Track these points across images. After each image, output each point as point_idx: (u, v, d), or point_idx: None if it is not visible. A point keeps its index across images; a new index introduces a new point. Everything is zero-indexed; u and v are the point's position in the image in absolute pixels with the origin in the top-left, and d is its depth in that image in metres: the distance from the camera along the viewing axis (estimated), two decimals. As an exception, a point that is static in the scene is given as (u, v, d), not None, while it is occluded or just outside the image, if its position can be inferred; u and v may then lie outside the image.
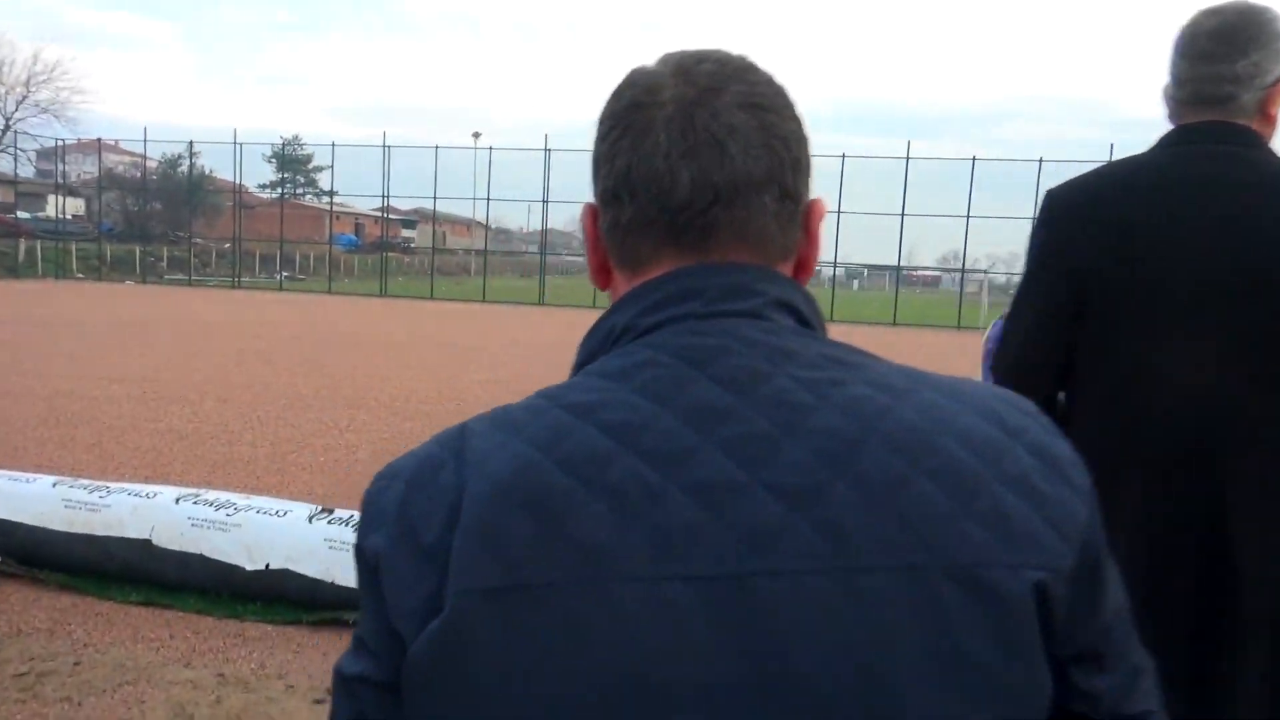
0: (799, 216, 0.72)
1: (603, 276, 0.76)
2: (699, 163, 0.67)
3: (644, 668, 0.57)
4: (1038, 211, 1.64)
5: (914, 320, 29.20)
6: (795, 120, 0.71)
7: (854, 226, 47.13)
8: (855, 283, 63.05)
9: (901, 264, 33.47)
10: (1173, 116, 1.62)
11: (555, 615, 0.58)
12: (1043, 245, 1.61)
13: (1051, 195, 1.64)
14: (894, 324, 29.19)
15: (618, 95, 0.72)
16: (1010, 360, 1.68)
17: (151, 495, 4.38)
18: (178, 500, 4.31)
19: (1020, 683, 0.60)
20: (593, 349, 0.72)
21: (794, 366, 0.65)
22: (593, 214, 0.74)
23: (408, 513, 0.63)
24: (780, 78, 0.73)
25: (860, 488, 0.60)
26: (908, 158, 30.31)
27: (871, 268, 53.21)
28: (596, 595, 0.58)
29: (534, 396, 0.68)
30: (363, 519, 0.66)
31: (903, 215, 30.39)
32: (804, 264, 0.74)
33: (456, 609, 0.58)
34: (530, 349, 16.08)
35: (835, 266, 35.44)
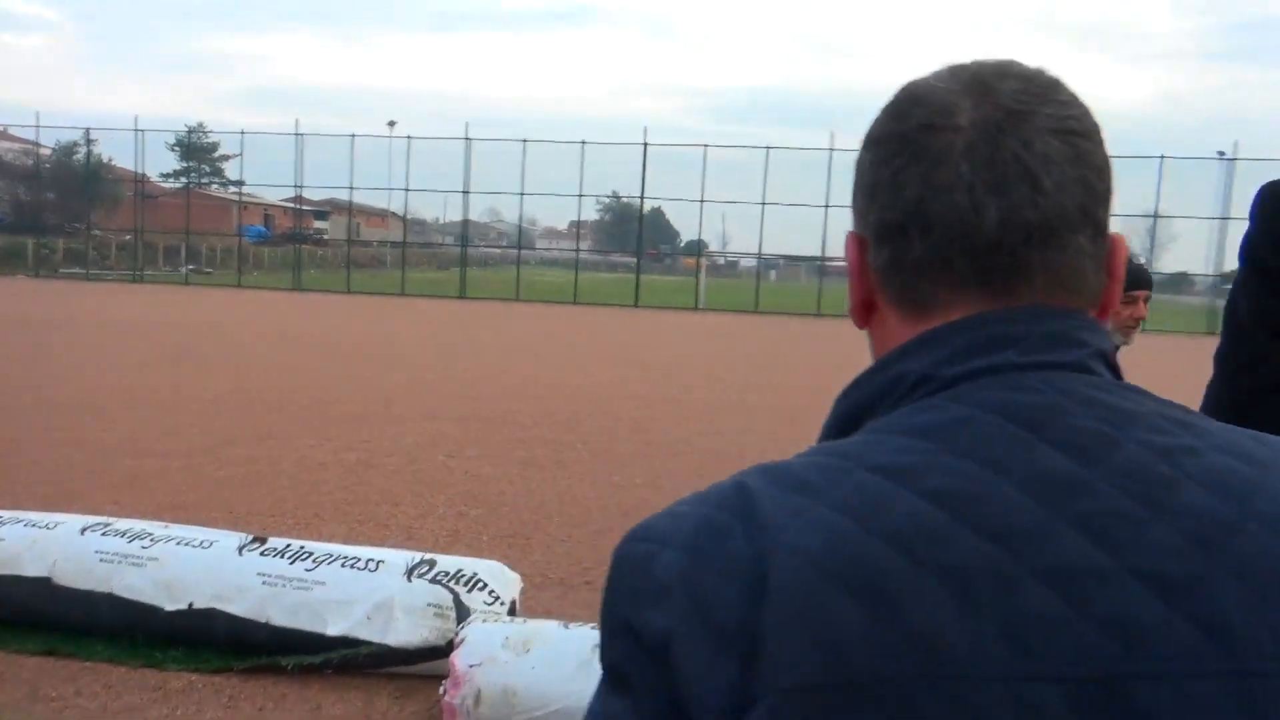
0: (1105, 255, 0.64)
1: (865, 314, 0.68)
2: (1009, 198, 0.60)
3: None
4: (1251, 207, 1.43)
5: (837, 311, 29.51)
6: (1105, 147, 0.64)
7: (775, 219, 47.54)
8: (773, 273, 63.76)
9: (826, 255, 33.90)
10: None
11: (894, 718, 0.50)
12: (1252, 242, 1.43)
13: (1264, 190, 1.43)
14: (818, 314, 29.53)
15: (901, 114, 0.64)
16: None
17: (51, 526, 3.85)
18: (83, 531, 3.80)
19: None
20: (868, 400, 0.64)
21: (1140, 430, 0.58)
22: (860, 245, 0.67)
23: (695, 588, 0.55)
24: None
25: (1244, 578, 0.52)
26: (831, 149, 30.60)
27: (787, 258, 53.76)
28: (946, 697, 0.50)
29: (820, 453, 0.60)
30: (625, 590, 0.58)
31: (826, 207, 30.66)
32: (1106, 307, 0.65)
33: (775, 708, 0.51)
34: (452, 347, 15.57)
35: (760, 258, 35.60)
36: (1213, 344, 2.31)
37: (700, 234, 37.09)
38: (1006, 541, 0.52)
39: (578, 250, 37.96)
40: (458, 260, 35.63)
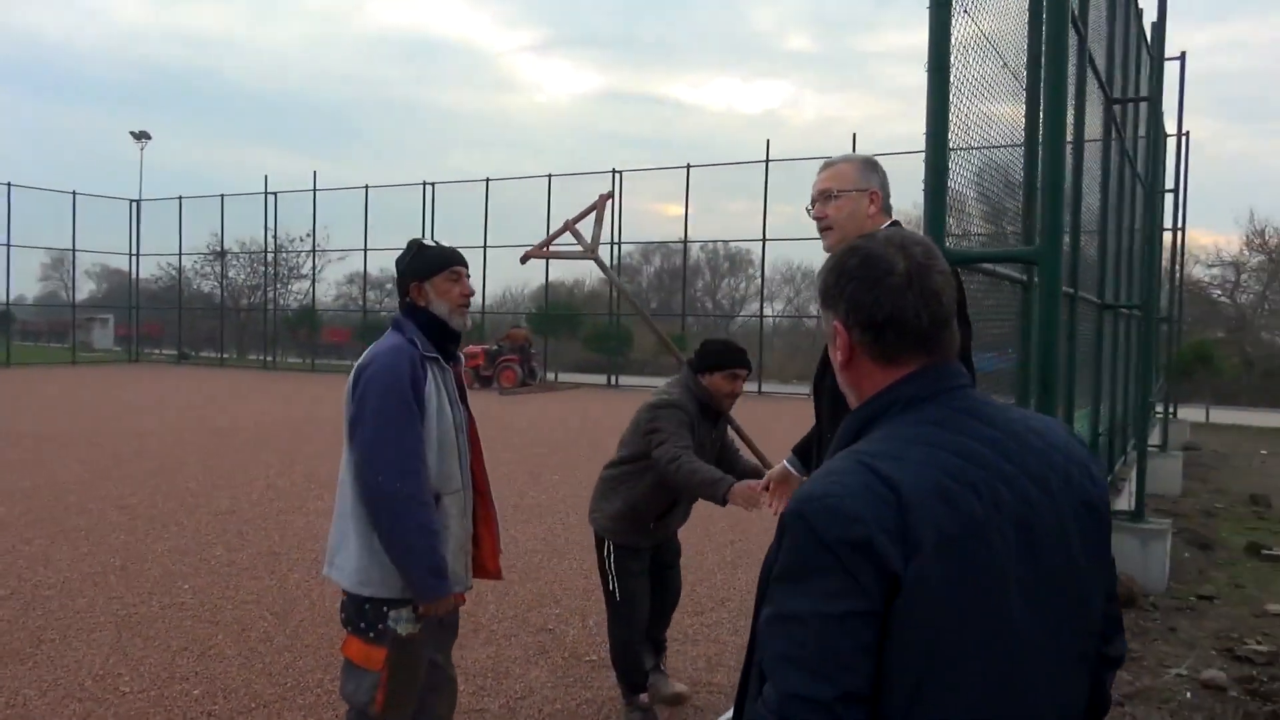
0: None
1: (847, 363, 1.36)
2: (931, 309, 1.29)
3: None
4: None
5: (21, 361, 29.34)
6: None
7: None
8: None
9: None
10: None
11: (979, 556, 1.18)
12: None
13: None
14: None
15: (867, 262, 1.31)
16: None
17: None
18: None
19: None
20: (875, 413, 1.31)
21: (1001, 410, 1.34)
22: (846, 328, 1.33)
23: (873, 513, 1.14)
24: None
25: (1052, 475, 1.28)
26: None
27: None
28: (977, 540, 1.19)
29: (884, 443, 1.25)
30: (831, 523, 1.15)
31: (485, 247, 30.50)
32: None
33: (921, 558, 1.14)
34: None
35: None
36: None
37: None
38: (990, 471, 1.22)
39: None
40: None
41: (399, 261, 2.91)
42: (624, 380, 28.17)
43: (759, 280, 30.00)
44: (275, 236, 34.57)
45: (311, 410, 17.43)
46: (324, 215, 33.00)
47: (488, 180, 30.33)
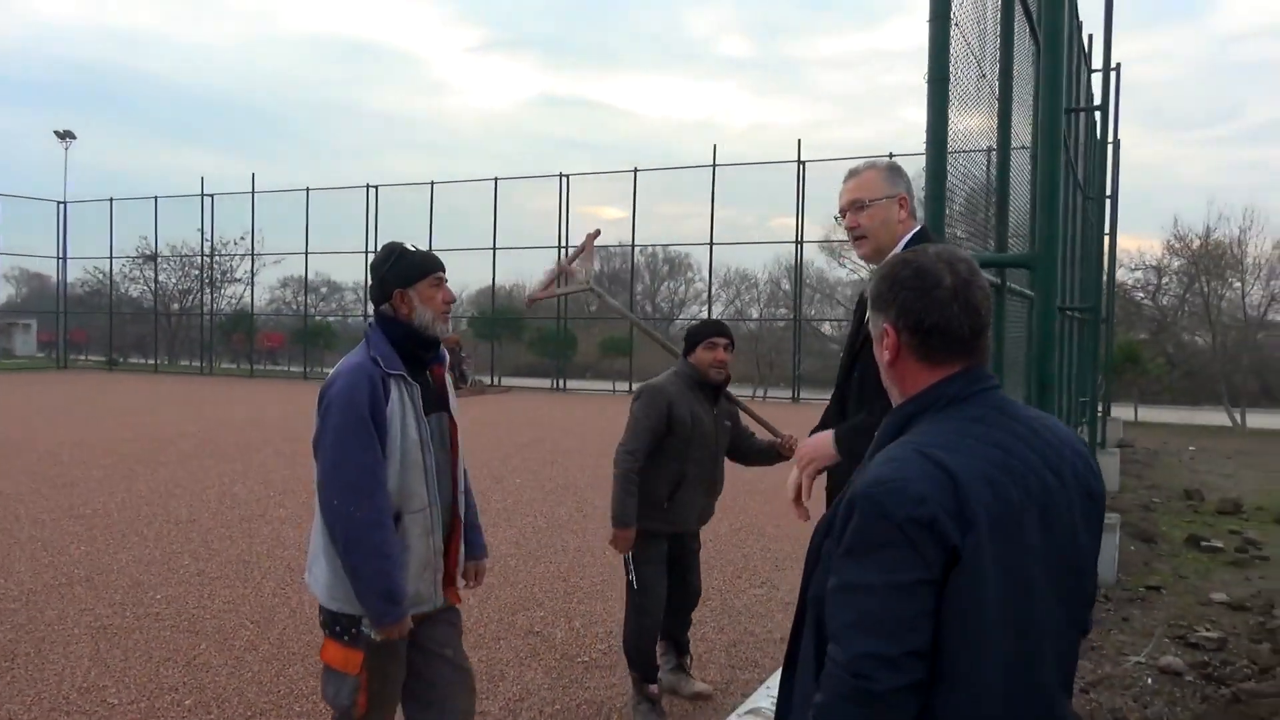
0: None
1: (893, 362, 1.57)
2: (972, 319, 1.52)
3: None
4: None
5: None
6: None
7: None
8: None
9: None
10: None
11: (1016, 535, 1.41)
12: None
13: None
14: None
15: (919, 275, 1.53)
16: None
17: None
18: None
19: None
20: (919, 409, 1.53)
21: (1022, 409, 1.59)
22: (895, 331, 1.55)
23: (934, 495, 1.35)
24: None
25: (1066, 467, 1.50)
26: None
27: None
28: (1013, 520, 1.42)
29: (935, 434, 1.46)
30: (899, 504, 1.35)
31: (431, 249, 30.75)
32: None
33: (976, 534, 1.35)
34: None
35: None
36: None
37: None
38: (1021, 462, 1.44)
39: None
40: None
41: (376, 267, 2.83)
42: (571, 384, 28.15)
43: (698, 284, 30.22)
44: (210, 239, 33.81)
45: (255, 415, 17.12)
46: (261, 218, 32.40)
47: (432, 184, 30.07)
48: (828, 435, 2.50)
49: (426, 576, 2.79)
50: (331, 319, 37.09)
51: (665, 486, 4.01)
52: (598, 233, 4.56)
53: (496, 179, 28.75)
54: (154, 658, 4.69)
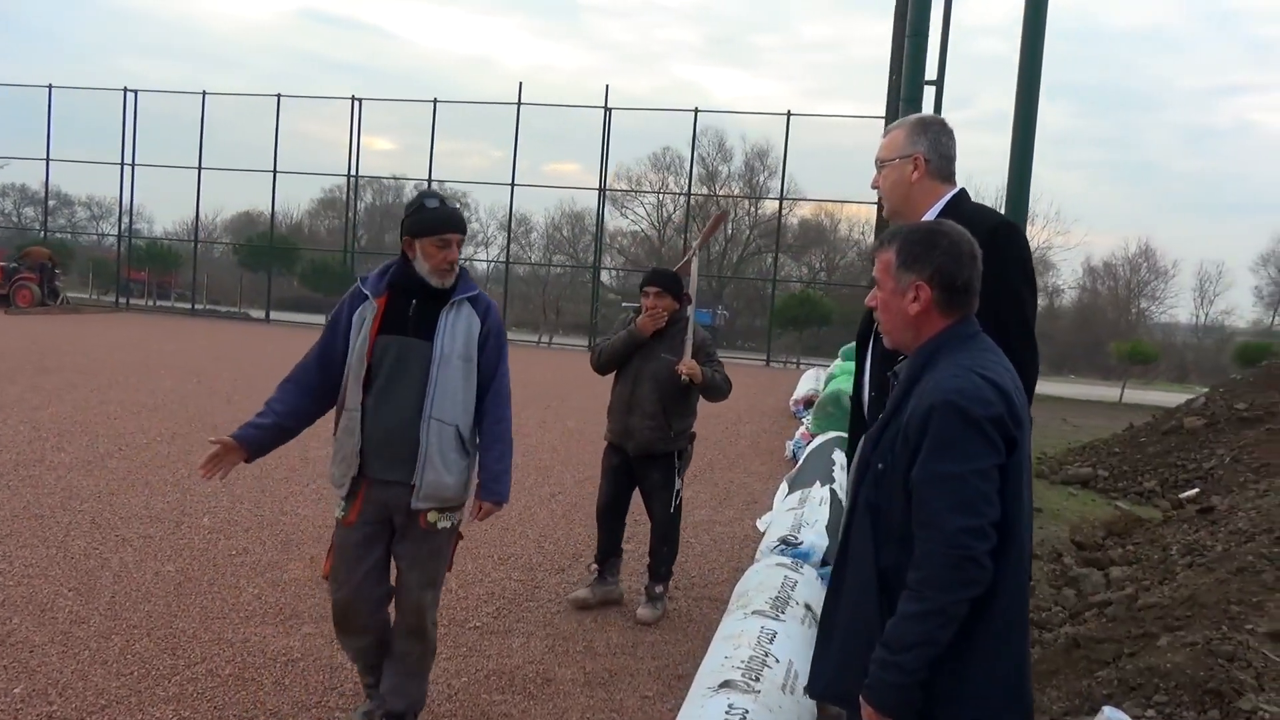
0: None
1: (924, 314, 1.93)
2: (978, 280, 1.95)
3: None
4: None
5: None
6: None
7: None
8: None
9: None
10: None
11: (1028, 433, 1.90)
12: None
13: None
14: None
15: (954, 244, 1.93)
16: None
17: None
18: None
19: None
20: (945, 342, 1.91)
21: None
22: (930, 287, 1.91)
23: (999, 397, 1.80)
24: None
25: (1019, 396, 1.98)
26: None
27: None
28: (1023, 427, 1.86)
29: (980, 366, 1.85)
30: (983, 402, 1.78)
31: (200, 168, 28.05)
32: None
33: (1021, 430, 1.84)
34: None
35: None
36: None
37: None
38: (1015, 382, 1.92)
39: None
40: None
41: (406, 208, 3.25)
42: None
43: (473, 224, 29.51)
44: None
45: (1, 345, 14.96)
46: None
47: (204, 93, 27.32)
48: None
49: (340, 467, 3.18)
50: (62, 235, 33.20)
51: (619, 404, 4.83)
52: (726, 215, 4.75)
53: (280, 95, 26.55)
54: (-48, 636, 3.90)
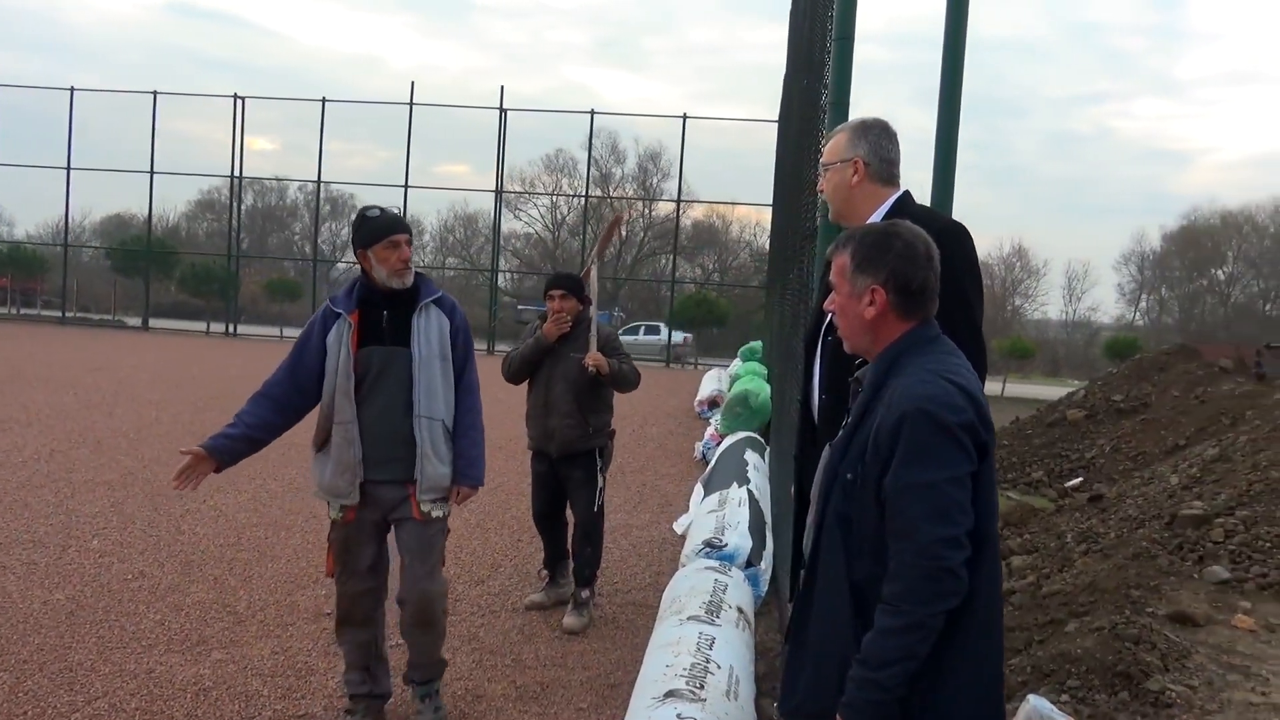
0: None
1: (881, 317, 1.89)
2: (936, 282, 1.91)
3: None
4: None
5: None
6: None
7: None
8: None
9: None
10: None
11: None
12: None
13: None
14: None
15: (909, 245, 1.88)
16: None
17: None
18: None
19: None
20: (906, 347, 1.87)
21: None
22: (885, 291, 1.87)
23: (969, 405, 1.76)
24: None
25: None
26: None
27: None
28: (990, 432, 1.83)
29: (947, 370, 1.82)
30: (953, 410, 1.75)
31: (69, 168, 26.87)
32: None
33: (991, 436, 1.83)
34: None
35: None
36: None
37: None
38: (979, 386, 1.88)
39: None
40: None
41: (352, 226, 3.43)
42: (244, 329, 25.74)
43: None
44: None
45: None
46: None
47: (72, 89, 25.82)
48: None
49: (346, 477, 3.33)
50: None
51: (536, 410, 4.86)
52: (620, 219, 4.68)
53: (156, 93, 25.31)
54: None
